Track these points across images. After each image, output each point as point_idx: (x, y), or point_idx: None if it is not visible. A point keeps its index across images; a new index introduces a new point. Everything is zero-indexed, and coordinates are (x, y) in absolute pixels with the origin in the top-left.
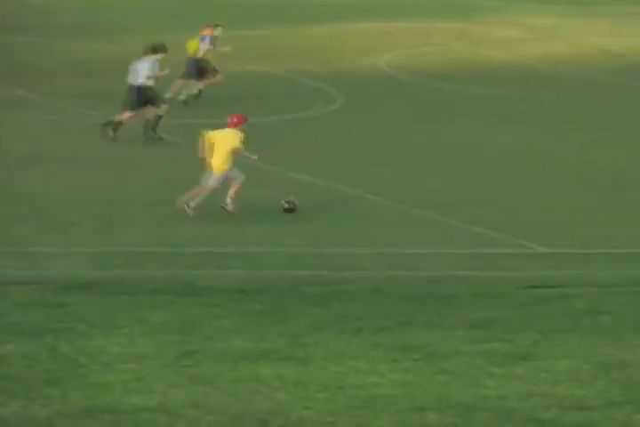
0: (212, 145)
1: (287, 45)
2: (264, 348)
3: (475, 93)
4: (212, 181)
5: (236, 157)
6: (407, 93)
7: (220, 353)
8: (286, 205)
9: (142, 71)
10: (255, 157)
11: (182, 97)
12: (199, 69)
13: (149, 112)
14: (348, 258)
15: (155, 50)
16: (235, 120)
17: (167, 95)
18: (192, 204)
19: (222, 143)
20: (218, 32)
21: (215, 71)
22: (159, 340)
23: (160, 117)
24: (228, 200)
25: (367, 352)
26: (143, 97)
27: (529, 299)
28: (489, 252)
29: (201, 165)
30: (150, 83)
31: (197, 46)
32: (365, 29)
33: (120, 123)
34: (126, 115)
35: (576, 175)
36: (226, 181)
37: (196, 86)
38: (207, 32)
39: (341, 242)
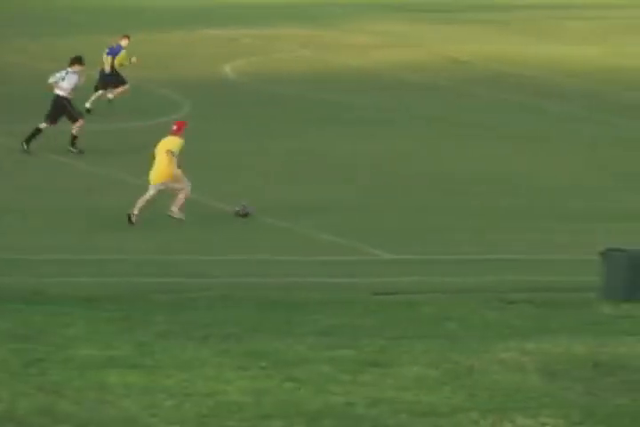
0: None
1: (135, 53)
2: (111, 355)
3: (322, 99)
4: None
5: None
6: (253, 100)
7: (67, 361)
8: (239, 210)
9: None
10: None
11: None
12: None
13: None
14: (197, 265)
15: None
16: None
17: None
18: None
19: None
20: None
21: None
22: (5, 348)
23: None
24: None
25: (215, 359)
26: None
27: (376, 306)
28: (338, 259)
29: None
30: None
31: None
32: (212, 36)
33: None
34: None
35: (430, 183)
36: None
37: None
38: (122, 42)
39: (190, 249)
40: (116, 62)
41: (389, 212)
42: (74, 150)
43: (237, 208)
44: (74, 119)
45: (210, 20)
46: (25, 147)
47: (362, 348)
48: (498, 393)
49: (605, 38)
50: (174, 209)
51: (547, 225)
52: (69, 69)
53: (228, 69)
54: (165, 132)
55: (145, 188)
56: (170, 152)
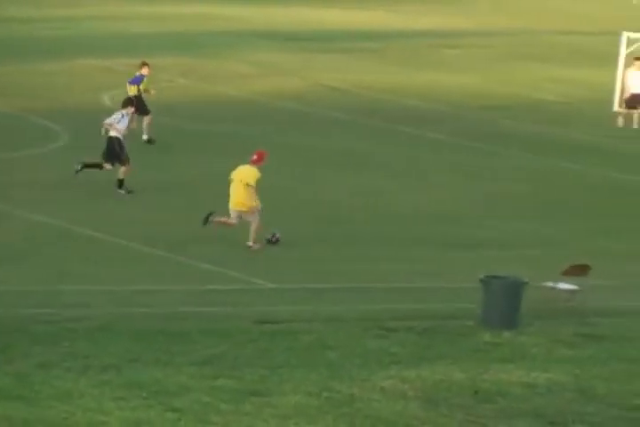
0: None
1: (13, 82)
2: None
3: (197, 129)
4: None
5: None
6: (131, 129)
7: None
8: (271, 238)
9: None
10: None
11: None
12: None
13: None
14: (77, 296)
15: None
16: (255, 158)
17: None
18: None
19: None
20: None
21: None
22: None
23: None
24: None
25: (94, 390)
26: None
27: (257, 335)
28: (218, 288)
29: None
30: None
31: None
32: (91, 66)
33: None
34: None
35: (301, 211)
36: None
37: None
38: (144, 71)
39: (70, 280)
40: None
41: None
42: (122, 192)
43: (269, 236)
44: (122, 162)
45: (88, 49)
46: (78, 168)
47: (242, 377)
48: (379, 422)
49: (483, 66)
50: (250, 244)
51: (422, 253)
52: (124, 112)
53: (106, 99)
54: (45, 162)
55: (25, 220)
56: (249, 186)
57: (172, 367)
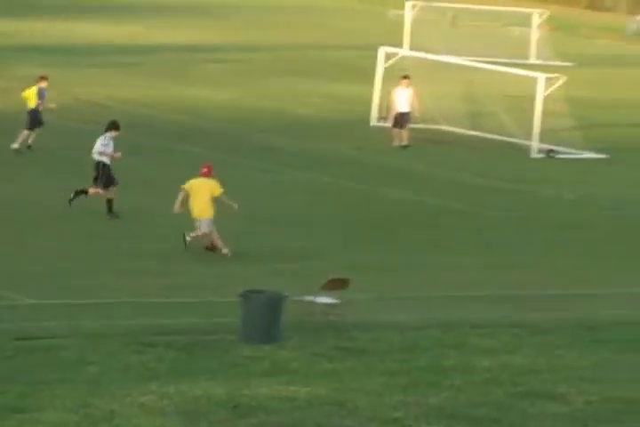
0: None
1: None
2: None
3: None
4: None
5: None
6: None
7: None
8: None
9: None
10: (235, 205)
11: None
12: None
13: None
14: None
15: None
16: (205, 170)
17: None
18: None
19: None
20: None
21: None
22: None
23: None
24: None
25: None
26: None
27: (15, 351)
28: None
29: None
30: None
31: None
32: None
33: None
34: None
35: (78, 225)
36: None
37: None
38: (43, 84)
39: None
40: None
41: (25, 255)
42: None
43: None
44: (105, 185)
45: None
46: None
47: (2, 393)
48: None
49: (242, 81)
50: (225, 251)
51: (184, 268)
52: (108, 135)
53: None
54: None
55: None
56: (214, 197)
57: None
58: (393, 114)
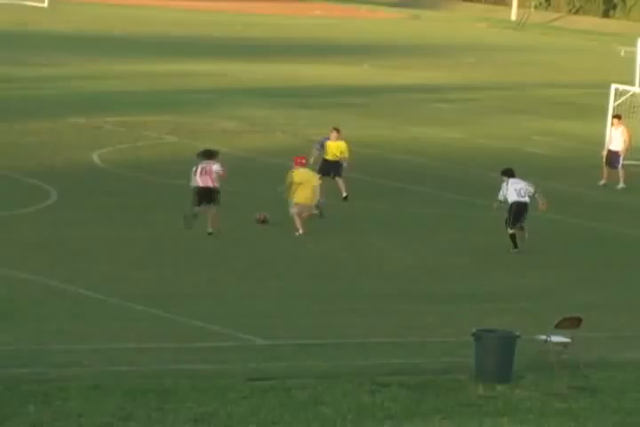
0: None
1: (1, 142)
2: None
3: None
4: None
5: None
6: (121, 188)
7: None
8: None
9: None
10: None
11: None
12: None
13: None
14: (67, 354)
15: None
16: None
17: None
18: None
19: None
20: None
21: None
22: None
23: None
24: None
25: None
26: None
27: (250, 391)
28: (209, 345)
29: None
30: None
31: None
32: (78, 125)
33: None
34: None
35: (296, 266)
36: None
37: None
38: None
39: (59, 338)
40: None
41: (259, 297)
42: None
43: (257, 215)
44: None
45: (74, 108)
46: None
47: None
48: None
49: (473, 119)
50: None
51: (413, 307)
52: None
53: (94, 157)
54: (35, 221)
55: (9, 278)
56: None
57: (165, 425)
58: (604, 153)
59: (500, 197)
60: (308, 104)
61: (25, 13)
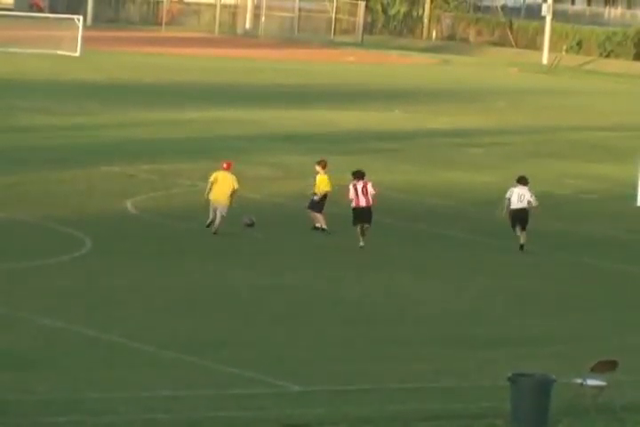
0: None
1: (33, 191)
2: None
3: (223, 232)
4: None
5: None
6: (155, 235)
7: None
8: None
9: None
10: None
11: None
12: None
13: None
14: (103, 402)
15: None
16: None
17: None
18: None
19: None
20: None
21: None
22: None
23: None
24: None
25: None
26: None
27: None
28: (244, 392)
29: None
30: None
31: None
32: (111, 173)
33: None
34: None
35: (329, 312)
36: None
37: None
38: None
39: (95, 386)
40: None
41: (292, 342)
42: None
43: (244, 219)
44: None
45: (107, 156)
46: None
47: None
48: None
49: (505, 164)
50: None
51: (449, 352)
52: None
53: (128, 205)
54: (69, 269)
55: (45, 327)
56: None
57: None
58: None
59: (507, 195)
60: (342, 150)
61: (58, 62)
